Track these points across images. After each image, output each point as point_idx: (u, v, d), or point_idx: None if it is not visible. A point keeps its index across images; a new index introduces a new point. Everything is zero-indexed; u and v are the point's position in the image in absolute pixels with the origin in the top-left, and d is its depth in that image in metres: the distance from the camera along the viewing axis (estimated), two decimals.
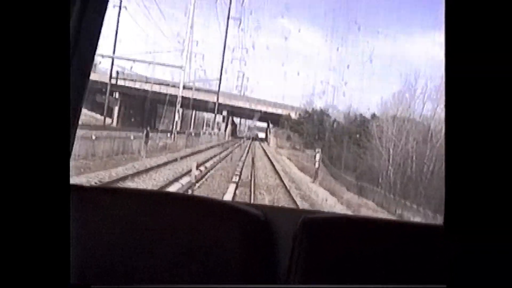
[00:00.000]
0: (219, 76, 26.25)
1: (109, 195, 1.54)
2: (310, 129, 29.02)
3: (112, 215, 1.45)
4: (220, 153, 21.33)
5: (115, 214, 1.45)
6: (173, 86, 26.85)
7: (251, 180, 15.21)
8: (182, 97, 26.12)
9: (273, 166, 20.49)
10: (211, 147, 23.19)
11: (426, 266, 1.33)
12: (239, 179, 15.03)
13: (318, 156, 21.37)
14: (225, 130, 28.30)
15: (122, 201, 1.49)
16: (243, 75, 30.11)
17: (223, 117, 28.94)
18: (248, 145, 27.28)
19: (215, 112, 27.07)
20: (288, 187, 14.98)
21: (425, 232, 1.49)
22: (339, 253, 1.42)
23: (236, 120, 35.62)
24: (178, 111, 21.56)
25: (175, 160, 16.61)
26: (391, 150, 20.38)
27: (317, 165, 20.51)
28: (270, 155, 23.70)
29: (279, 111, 30.18)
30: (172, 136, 20.59)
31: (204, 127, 29.85)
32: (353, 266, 1.40)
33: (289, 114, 29.98)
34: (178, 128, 26.99)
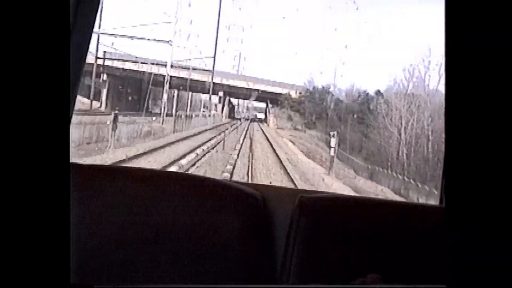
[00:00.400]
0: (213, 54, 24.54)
1: (109, 174, 1.59)
2: (312, 108, 27.54)
3: (111, 194, 1.49)
4: (211, 138, 18.73)
5: (114, 194, 1.49)
6: (165, 66, 25.19)
7: (248, 181, 11.88)
8: (176, 77, 24.51)
9: (276, 154, 17.54)
10: (204, 130, 21.12)
11: (424, 245, 1.38)
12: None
13: (334, 141, 17.77)
14: (222, 112, 26.70)
15: (122, 181, 1.53)
16: (240, 54, 28.36)
17: (219, 98, 27.37)
18: (246, 127, 25.73)
19: (210, 92, 25.48)
20: (298, 186, 11.80)
21: (423, 212, 1.56)
22: (335, 231, 1.47)
23: (234, 101, 33.97)
24: (167, 91, 19.83)
25: (154, 149, 13.94)
26: (402, 129, 18.81)
27: (332, 153, 17.17)
28: (270, 139, 21.62)
29: (278, 90, 28.68)
30: (161, 119, 18.89)
31: (201, 109, 28.28)
32: (350, 244, 1.44)
33: (289, 93, 28.49)
34: (172, 110, 25.93)
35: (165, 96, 19.76)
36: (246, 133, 22.46)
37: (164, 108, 19.19)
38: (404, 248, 1.44)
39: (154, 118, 19.69)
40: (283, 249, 1.52)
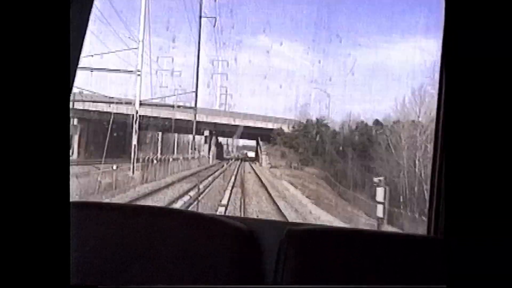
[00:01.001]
0: (195, 89, 22.28)
1: (105, 211, 1.61)
2: (307, 143, 25.27)
3: (107, 228, 1.50)
4: (190, 189, 15.03)
5: (110, 228, 1.51)
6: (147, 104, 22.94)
7: None
8: (156, 117, 22.16)
9: (280, 210, 12.55)
10: (183, 178, 17.71)
11: (413, 276, 1.36)
12: None
13: (381, 193, 10.17)
14: (209, 153, 24.24)
15: (117, 216, 1.56)
16: (226, 90, 26.18)
17: (205, 138, 24.99)
18: (235, 169, 23.21)
19: (193, 132, 23.08)
20: None
21: (411, 243, 1.50)
22: (323, 263, 1.44)
23: (222, 140, 31.60)
24: (136, 132, 17.20)
25: None
26: (416, 160, 16.46)
27: (380, 213, 10.05)
28: (267, 183, 18.90)
29: (269, 125, 26.52)
30: (132, 167, 16.10)
31: (189, 151, 25.92)
32: (338, 275, 1.41)
33: (280, 128, 26.29)
34: (157, 154, 23.73)
35: (134, 139, 17.08)
36: (235, 178, 19.68)
37: (135, 153, 16.52)
38: (393, 279, 1.40)
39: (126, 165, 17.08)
40: (272, 281, 1.50)
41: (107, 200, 11.79)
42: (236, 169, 23.29)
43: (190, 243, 1.50)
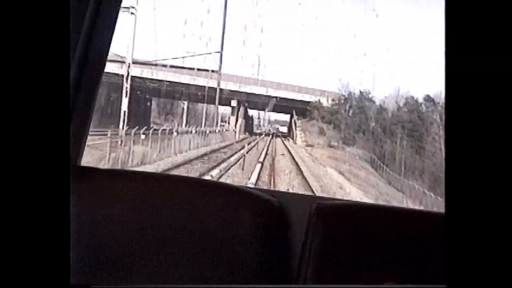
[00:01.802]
0: (220, 49, 19.08)
1: (118, 178, 1.54)
2: (349, 119, 21.98)
3: (120, 198, 1.45)
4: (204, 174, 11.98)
5: (123, 198, 1.45)
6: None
7: None
8: (174, 83, 19.21)
9: None
10: (183, 163, 13.42)
11: (441, 253, 1.15)
12: None
13: None
14: (236, 126, 21.13)
15: (132, 185, 1.50)
16: (259, 58, 22.89)
17: (232, 109, 21.88)
18: (265, 148, 19.64)
19: (216, 102, 19.97)
20: None
21: (440, 220, 1.20)
22: (351, 239, 1.43)
23: (252, 113, 28.43)
24: (127, 94, 13.74)
25: None
26: None
27: None
28: (306, 171, 14.25)
29: (305, 97, 23.32)
30: (119, 141, 12.46)
31: (219, 123, 23.36)
32: (366, 251, 1.41)
33: (319, 101, 23.08)
34: (182, 126, 20.97)
35: (124, 103, 13.50)
36: (262, 165, 14.53)
37: (124, 122, 13.06)
38: (421, 256, 1.36)
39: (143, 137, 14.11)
40: (299, 255, 1.46)
41: None
42: (265, 148, 19.40)
43: (214, 214, 1.43)
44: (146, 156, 12.47)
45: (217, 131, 20.32)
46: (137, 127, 13.72)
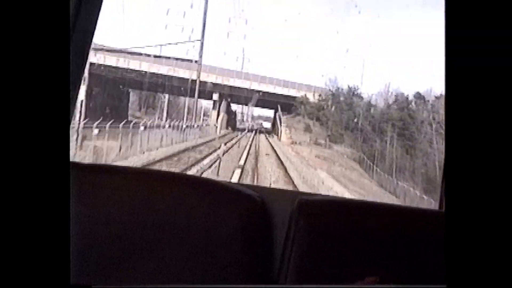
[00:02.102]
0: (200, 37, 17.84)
1: (109, 173, 1.56)
2: (337, 116, 20.95)
3: (110, 193, 1.47)
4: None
5: (113, 192, 1.47)
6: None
7: None
8: (150, 73, 17.94)
9: None
10: (164, 158, 12.23)
11: (423, 249, 1.38)
12: None
13: None
14: (217, 120, 19.91)
15: (121, 180, 1.51)
16: (243, 51, 21.69)
17: (214, 103, 20.68)
18: (247, 145, 18.02)
19: (196, 95, 18.72)
20: None
21: (422, 217, 1.53)
22: (334, 234, 1.45)
23: (235, 108, 27.22)
24: (85, 81, 12.23)
25: None
26: None
27: None
28: (293, 173, 12.76)
29: (291, 92, 22.27)
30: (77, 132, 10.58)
31: (201, 118, 22.36)
32: (348, 246, 1.43)
33: (305, 96, 22.00)
34: (162, 120, 20.01)
35: (81, 96, 11.80)
36: (244, 164, 13.13)
37: (81, 113, 11.57)
38: (403, 252, 1.41)
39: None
40: (281, 251, 1.48)
41: None
42: (247, 147, 17.48)
43: (197, 210, 1.45)
44: (103, 154, 11.01)
45: (195, 126, 19.04)
46: (100, 120, 12.32)
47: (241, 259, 1.42)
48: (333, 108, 21.37)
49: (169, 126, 16.81)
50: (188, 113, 21.90)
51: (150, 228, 1.41)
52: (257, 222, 1.48)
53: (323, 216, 1.49)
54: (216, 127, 19.56)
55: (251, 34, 21.38)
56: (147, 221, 1.42)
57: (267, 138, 20.82)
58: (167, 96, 24.49)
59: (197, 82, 18.00)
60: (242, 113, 29.20)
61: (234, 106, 26.02)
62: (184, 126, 17.68)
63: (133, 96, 25.16)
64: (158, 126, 16.29)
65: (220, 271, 1.40)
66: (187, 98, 21.60)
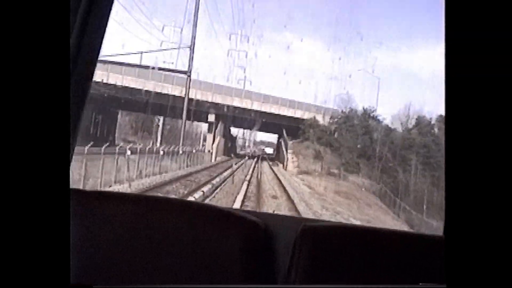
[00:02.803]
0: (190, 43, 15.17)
1: (109, 201, 1.56)
2: (351, 141, 18.20)
3: (111, 221, 1.46)
4: None
5: (114, 220, 1.47)
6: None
7: None
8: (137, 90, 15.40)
9: None
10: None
11: (426, 276, 1.35)
12: None
13: None
14: (213, 145, 17.12)
15: (121, 207, 1.51)
16: (244, 71, 19.10)
17: (209, 125, 17.96)
18: (247, 177, 14.37)
19: (184, 115, 15.94)
20: None
21: (425, 242, 1.53)
22: (337, 261, 1.44)
23: (236, 132, 24.53)
24: None
25: None
26: None
27: None
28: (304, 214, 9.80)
29: (298, 113, 19.55)
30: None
31: (201, 143, 20.18)
32: (352, 274, 1.43)
33: (314, 118, 19.30)
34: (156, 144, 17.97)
35: None
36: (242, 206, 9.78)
37: None
38: (407, 278, 1.40)
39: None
40: (284, 277, 1.48)
41: None
42: (245, 182, 12.95)
43: (201, 236, 1.44)
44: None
45: (183, 151, 16.17)
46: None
47: (245, 284, 1.44)
48: (346, 132, 18.58)
49: (159, 151, 14.47)
50: (187, 138, 19.69)
51: (152, 254, 1.41)
52: (261, 248, 1.49)
53: (327, 242, 1.49)
54: (211, 153, 16.75)
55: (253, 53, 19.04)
56: (149, 247, 1.42)
57: (271, 167, 17.93)
58: (161, 119, 22.22)
59: (185, 100, 15.24)
60: (243, 138, 26.49)
61: (235, 131, 23.41)
62: (180, 151, 15.02)
63: (124, 118, 22.95)
64: (150, 152, 14.14)
65: None
66: (187, 122, 19.21)
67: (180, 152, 15.97)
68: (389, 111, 21.36)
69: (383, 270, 1.40)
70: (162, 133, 21.70)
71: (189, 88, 15.57)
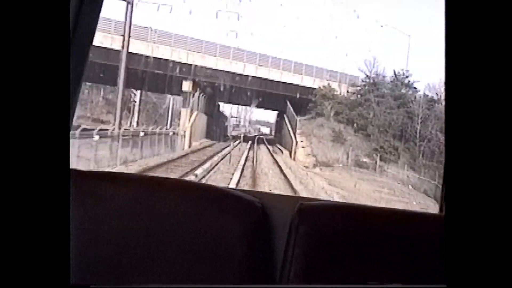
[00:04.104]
0: None
1: (109, 181, 1.56)
2: (381, 117, 13.19)
3: (111, 200, 1.46)
4: None
5: (114, 200, 1.47)
6: None
7: None
8: None
9: None
10: None
11: (424, 254, 1.38)
12: None
13: None
14: (187, 126, 11.95)
15: (122, 187, 1.50)
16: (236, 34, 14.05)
17: (184, 96, 12.86)
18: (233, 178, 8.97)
19: (121, 81, 10.87)
20: None
21: (422, 220, 1.55)
22: (334, 238, 1.44)
23: (228, 109, 20.30)
24: None
25: None
26: None
27: None
28: None
29: (307, 81, 14.54)
30: None
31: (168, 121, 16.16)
32: (349, 251, 1.42)
33: (328, 86, 14.29)
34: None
35: None
36: None
37: None
38: (403, 256, 1.40)
39: None
40: (282, 256, 1.47)
41: None
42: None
43: (199, 216, 1.44)
44: None
45: (148, 133, 11.09)
46: None
47: (242, 264, 1.43)
48: (374, 105, 13.45)
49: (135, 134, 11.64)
50: (172, 117, 15.74)
51: (151, 233, 1.41)
52: (258, 228, 1.48)
53: (324, 220, 1.49)
54: (183, 136, 11.56)
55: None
56: (148, 227, 1.42)
57: (272, 155, 12.62)
58: (138, 94, 17.82)
59: (123, 55, 10.03)
60: (237, 116, 21.44)
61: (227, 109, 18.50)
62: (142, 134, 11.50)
63: (94, 93, 18.68)
64: (126, 134, 11.61)
65: (221, 276, 1.42)
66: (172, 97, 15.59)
67: (142, 134, 11.07)
68: (423, 79, 16.16)
69: (380, 248, 1.40)
70: (139, 111, 18.10)
71: (127, 38, 10.36)
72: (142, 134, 12.42)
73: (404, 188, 9.92)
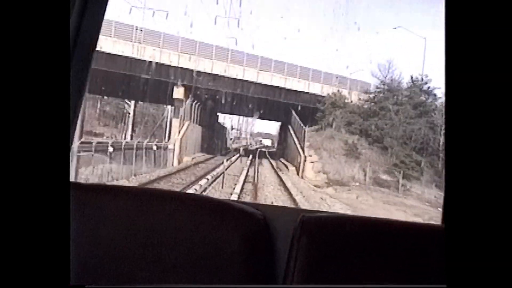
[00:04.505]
0: None
1: (109, 194, 1.54)
2: (400, 127, 11.66)
3: (111, 213, 1.44)
4: None
5: (114, 213, 1.44)
6: None
7: None
8: None
9: None
10: None
11: (425, 266, 1.35)
12: None
13: None
14: (176, 138, 10.40)
15: (122, 200, 1.47)
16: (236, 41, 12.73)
17: (175, 104, 11.39)
18: None
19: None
20: None
21: (424, 232, 1.48)
22: (337, 251, 1.41)
23: (227, 120, 19.12)
24: None
25: None
26: None
27: None
28: None
29: (313, 87, 13.07)
30: None
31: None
32: (351, 265, 1.39)
33: (339, 93, 12.80)
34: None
35: None
36: None
37: None
38: (406, 268, 1.35)
39: None
40: (284, 268, 1.43)
41: None
42: None
43: (200, 228, 1.41)
44: None
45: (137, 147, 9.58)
46: None
47: (243, 276, 1.40)
48: (392, 114, 11.90)
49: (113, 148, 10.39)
50: (170, 129, 13.92)
51: (150, 245, 1.39)
52: (260, 240, 1.46)
53: (326, 233, 1.46)
54: (173, 149, 9.97)
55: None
56: (147, 238, 1.40)
57: (277, 174, 10.92)
58: (132, 104, 17.15)
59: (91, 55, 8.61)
60: (238, 128, 20.21)
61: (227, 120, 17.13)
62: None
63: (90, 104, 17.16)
64: (118, 148, 10.58)
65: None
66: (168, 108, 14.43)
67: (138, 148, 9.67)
68: (441, 84, 14.67)
69: (382, 260, 1.37)
70: (133, 122, 17.44)
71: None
72: (133, 147, 10.93)
73: (435, 212, 8.34)
